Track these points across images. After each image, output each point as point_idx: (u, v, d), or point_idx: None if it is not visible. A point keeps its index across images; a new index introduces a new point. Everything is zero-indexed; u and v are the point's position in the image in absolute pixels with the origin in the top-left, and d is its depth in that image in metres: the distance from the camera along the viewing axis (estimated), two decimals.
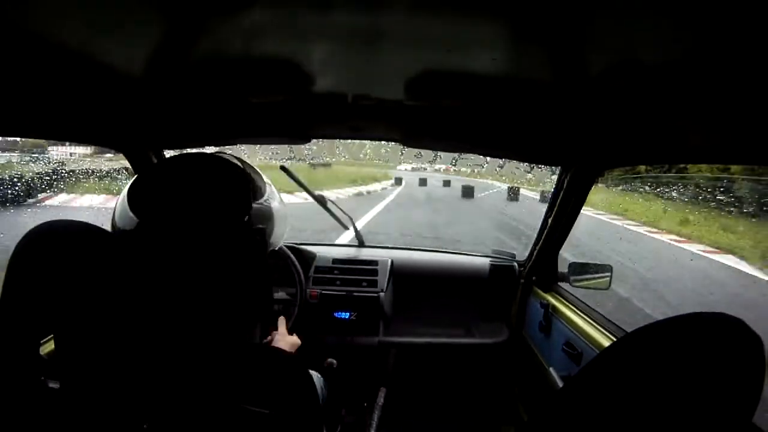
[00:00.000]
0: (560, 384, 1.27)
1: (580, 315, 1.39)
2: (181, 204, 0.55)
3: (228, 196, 0.59)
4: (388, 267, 1.86)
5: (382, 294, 1.76)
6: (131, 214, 0.55)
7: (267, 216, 0.65)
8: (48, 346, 0.96)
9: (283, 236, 0.71)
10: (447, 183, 23.68)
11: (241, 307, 0.64)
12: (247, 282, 0.63)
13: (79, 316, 0.51)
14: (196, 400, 0.53)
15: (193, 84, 0.84)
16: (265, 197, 0.65)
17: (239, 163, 0.64)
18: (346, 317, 1.75)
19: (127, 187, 0.59)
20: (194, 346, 0.56)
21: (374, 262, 1.86)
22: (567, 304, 1.51)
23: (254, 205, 0.61)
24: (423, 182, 23.73)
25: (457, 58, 0.67)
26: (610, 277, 1.61)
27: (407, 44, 0.61)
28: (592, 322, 1.32)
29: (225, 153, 0.65)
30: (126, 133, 1.16)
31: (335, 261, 1.85)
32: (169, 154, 1.38)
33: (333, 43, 0.62)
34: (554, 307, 1.53)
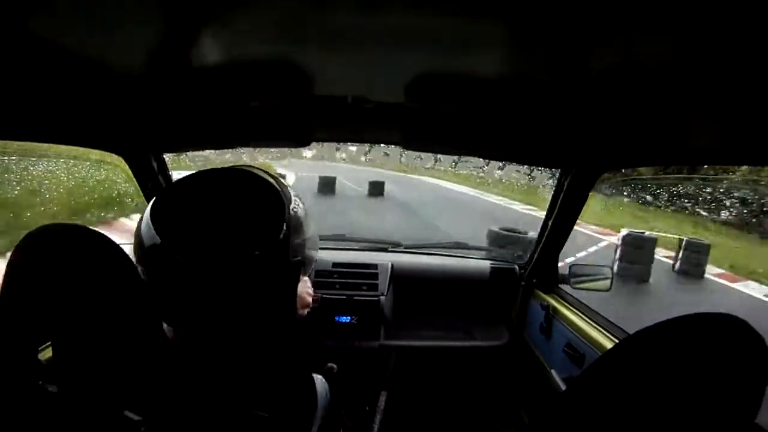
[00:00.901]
0: (562, 386, 1.27)
1: (581, 317, 1.39)
2: (211, 226, 0.52)
3: (262, 214, 0.55)
4: (389, 271, 1.85)
5: (382, 298, 1.76)
6: (154, 233, 0.52)
7: (299, 226, 0.59)
8: (47, 353, 0.95)
9: (317, 242, 0.66)
10: (376, 190, 12.11)
11: (267, 327, 0.61)
12: (278, 304, 0.59)
13: (77, 320, 0.50)
14: (200, 403, 0.53)
15: (194, 87, 0.84)
16: (292, 205, 0.59)
17: (266, 176, 0.59)
18: (347, 321, 1.74)
19: (150, 205, 0.55)
20: (210, 358, 0.56)
21: (374, 266, 1.85)
22: (568, 306, 1.51)
23: (286, 217, 0.57)
24: (329, 187, 12.01)
25: (456, 60, 0.67)
26: (611, 279, 1.61)
27: (407, 47, 0.61)
28: (593, 323, 1.31)
29: (250, 166, 0.61)
30: (126, 136, 1.16)
31: (335, 265, 1.84)
32: (168, 157, 1.37)
33: (332, 45, 0.62)
34: (555, 309, 1.53)
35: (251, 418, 0.55)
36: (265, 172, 0.61)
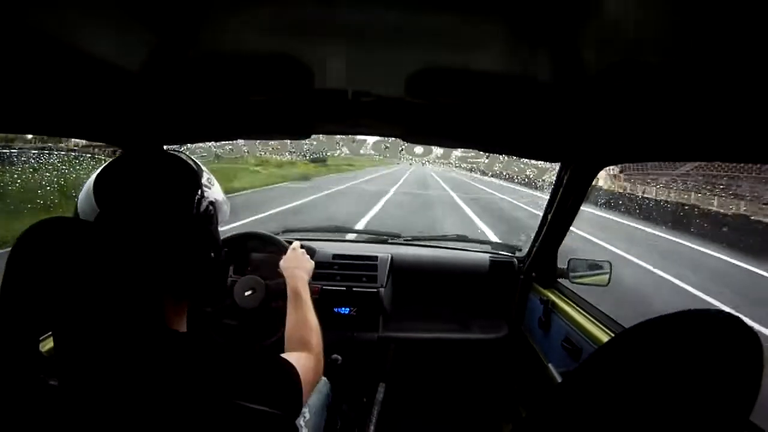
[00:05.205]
0: (559, 379, 1.28)
1: (579, 311, 1.39)
2: (139, 197, 0.59)
3: (181, 188, 0.63)
4: (388, 262, 1.86)
5: (381, 289, 1.77)
6: (94, 204, 0.59)
7: (211, 198, 0.69)
8: (47, 344, 0.97)
9: (227, 213, 0.76)
10: None
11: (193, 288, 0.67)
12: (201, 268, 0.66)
13: (76, 312, 0.51)
14: (188, 395, 0.54)
15: (195, 80, 0.84)
16: (205, 180, 0.69)
17: (185, 158, 0.68)
18: (346, 312, 1.76)
19: (93, 178, 0.61)
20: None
21: (374, 258, 1.86)
22: (566, 300, 1.52)
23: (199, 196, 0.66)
24: None
25: (457, 55, 0.67)
26: (610, 273, 1.61)
27: (407, 41, 0.61)
28: (591, 318, 1.32)
29: (176, 151, 0.70)
30: (127, 129, 1.17)
31: (335, 256, 1.85)
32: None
33: (333, 39, 0.62)
34: (554, 303, 1.53)
35: (234, 409, 0.56)
36: (184, 154, 0.70)
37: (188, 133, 1.31)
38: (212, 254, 0.68)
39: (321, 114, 1.15)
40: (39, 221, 0.53)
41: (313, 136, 1.37)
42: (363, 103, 0.99)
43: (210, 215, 0.67)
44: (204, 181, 0.68)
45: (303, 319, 1.00)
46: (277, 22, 0.56)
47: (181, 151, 0.70)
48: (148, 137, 1.26)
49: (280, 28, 0.58)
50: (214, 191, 0.70)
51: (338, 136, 1.56)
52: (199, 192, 0.65)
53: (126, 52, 0.68)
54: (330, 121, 1.25)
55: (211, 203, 0.67)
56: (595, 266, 1.64)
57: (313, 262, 1.25)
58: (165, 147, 1.36)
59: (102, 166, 0.63)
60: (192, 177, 0.66)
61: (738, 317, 0.45)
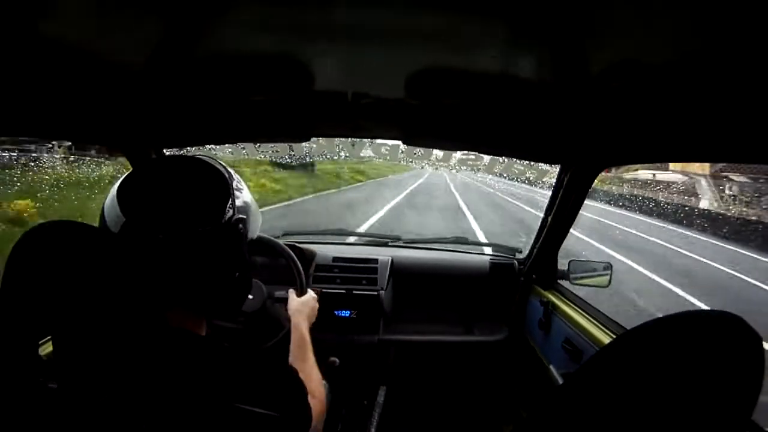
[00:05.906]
0: (560, 381, 1.28)
1: (579, 313, 1.39)
2: (166, 205, 0.58)
3: (210, 195, 0.62)
4: (388, 265, 1.86)
5: (382, 292, 1.76)
6: (119, 212, 0.57)
7: (241, 205, 0.67)
8: (46, 348, 0.96)
9: (257, 229, 0.74)
10: None
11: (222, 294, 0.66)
12: (229, 275, 0.65)
13: (76, 316, 0.51)
14: (188, 399, 0.54)
15: (195, 83, 0.85)
16: (235, 183, 0.67)
17: (214, 162, 0.66)
18: (346, 315, 1.75)
19: (117, 186, 0.60)
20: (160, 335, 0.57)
21: (374, 261, 1.85)
22: (567, 301, 1.51)
23: (229, 207, 0.63)
24: None
25: (457, 57, 0.67)
26: (610, 275, 1.61)
27: (407, 42, 0.61)
28: (591, 319, 1.32)
29: (206, 156, 0.68)
30: (127, 132, 1.17)
31: (335, 259, 1.85)
32: (169, 153, 1.38)
33: (333, 41, 0.62)
34: (554, 305, 1.53)
35: (245, 415, 0.56)
36: (214, 159, 0.68)
37: (188, 137, 1.31)
38: (237, 274, 0.66)
39: (321, 116, 1.15)
40: (37, 225, 0.53)
41: (313, 140, 1.37)
42: (363, 106, 0.99)
43: (240, 233, 0.64)
44: (233, 185, 0.65)
45: (310, 372, 0.99)
46: (277, 24, 0.56)
47: (211, 156, 0.68)
48: (147, 140, 1.26)
49: (281, 29, 0.58)
50: (243, 195, 0.68)
51: (337, 139, 1.56)
52: (230, 202, 0.63)
53: (126, 55, 0.68)
54: (330, 123, 1.26)
55: (242, 220, 0.64)
56: (595, 267, 1.64)
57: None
58: (165, 150, 1.36)
59: (127, 173, 0.62)
60: (222, 188, 0.63)
61: (739, 317, 0.45)
